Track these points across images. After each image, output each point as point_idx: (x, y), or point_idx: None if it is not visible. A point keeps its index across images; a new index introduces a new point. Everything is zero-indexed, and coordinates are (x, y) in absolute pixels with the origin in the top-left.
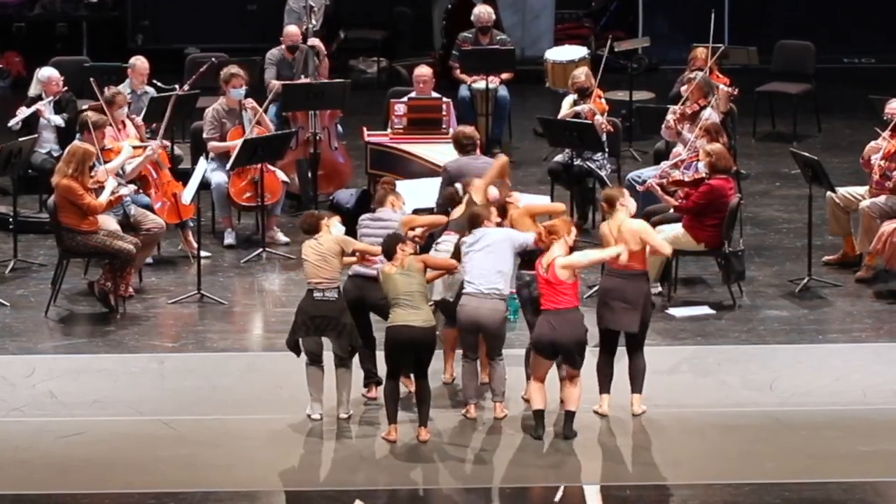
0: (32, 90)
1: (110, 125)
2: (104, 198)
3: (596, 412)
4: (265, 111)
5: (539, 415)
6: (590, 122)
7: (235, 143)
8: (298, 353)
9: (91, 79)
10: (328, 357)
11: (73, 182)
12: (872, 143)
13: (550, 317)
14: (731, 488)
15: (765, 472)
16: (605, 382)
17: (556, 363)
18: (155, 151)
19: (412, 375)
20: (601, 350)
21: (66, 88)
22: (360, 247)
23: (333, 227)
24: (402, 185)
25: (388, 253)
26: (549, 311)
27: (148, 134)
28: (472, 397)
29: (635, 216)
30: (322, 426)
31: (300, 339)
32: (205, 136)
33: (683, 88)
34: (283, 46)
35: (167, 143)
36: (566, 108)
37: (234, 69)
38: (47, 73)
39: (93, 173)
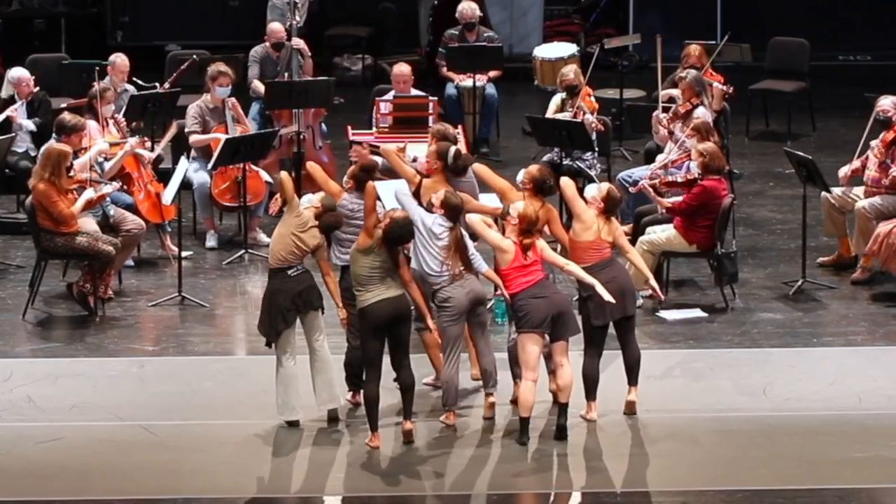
0: (4, 92)
1: (95, 120)
2: (77, 207)
3: (583, 417)
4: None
5: (525, 422)
6: (579, 120)
7: (217, 136)
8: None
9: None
10: (302, 360)
11: (50, 188)
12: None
13: (537, 290)
14: (723, 495)
15: (758, 478)
16: (592, 388)
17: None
18: (133, 147)
19: (395, 364)
20: (589, 353)
21: (37, 88)
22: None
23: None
24: (385, 185)
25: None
26: (530, 287)
27: (128, 132)
28: (452, 404)
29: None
30: (305, 432)
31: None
32: (186, 129)
33: (669, 90)
34: (267, 44)
35: (147, 139)
36: (553, 107)
37: (221, 67)
38: (17, 73)
39: (70, 173)
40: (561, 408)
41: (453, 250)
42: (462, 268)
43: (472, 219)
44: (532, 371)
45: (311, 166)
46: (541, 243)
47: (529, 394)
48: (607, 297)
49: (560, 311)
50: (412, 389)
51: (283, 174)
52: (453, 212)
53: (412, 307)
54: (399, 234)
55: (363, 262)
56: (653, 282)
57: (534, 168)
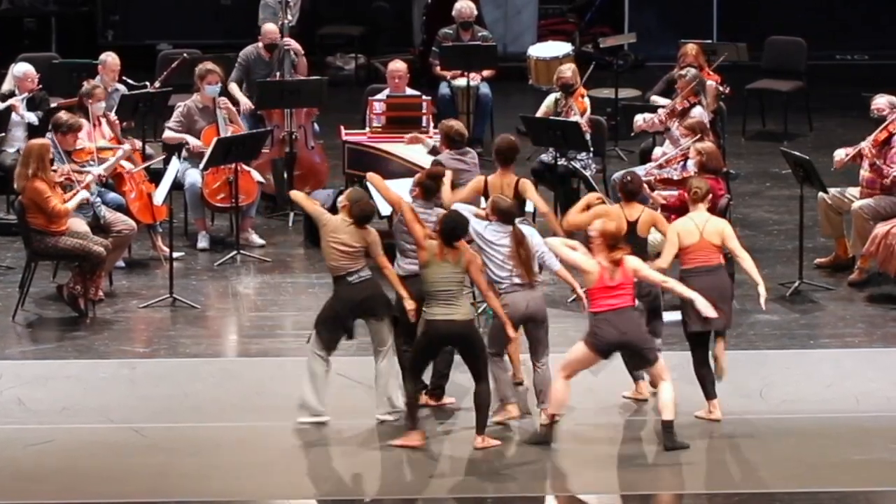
0: (5, 86)
1: (87, 120)
2: (71, 204)
3: (701, 417)
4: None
5: (554, 423)
6: (574, 120)
7: (185, 137)
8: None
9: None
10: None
11: (41, 183)
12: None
13: (615, 318)
14: (720, 498)
15: (756, 480)
16: (710, 388)
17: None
18: (126, 152)
19: (474, 377)
20: (696, 356)
21: (40, 86)
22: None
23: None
24: (400, 183)
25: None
26: (610, 311)
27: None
28: (511, 396)
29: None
30: (300, 434)
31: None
32: (167, 124)
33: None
34: (259, 45)
35: (139, 143)
36: (545, 108)
37: (209, 65)
38: (23, 68)
39: (55, 167)
40: (665, 426)
41: (514, 254)
42: (526, 274)
43: (553, 242)
44: (566, 371)
45: (371, 176)
46: (635, 263)
47: (561, 392)
48: (706, 311)
49: (628, 347)
50: (484, 409)
51: (294, 193)
52: (505, 215)
53: (480, 336)
54: (453, 225)
55: (431, 278)
56: (761, 288)
57: (619, 174)
